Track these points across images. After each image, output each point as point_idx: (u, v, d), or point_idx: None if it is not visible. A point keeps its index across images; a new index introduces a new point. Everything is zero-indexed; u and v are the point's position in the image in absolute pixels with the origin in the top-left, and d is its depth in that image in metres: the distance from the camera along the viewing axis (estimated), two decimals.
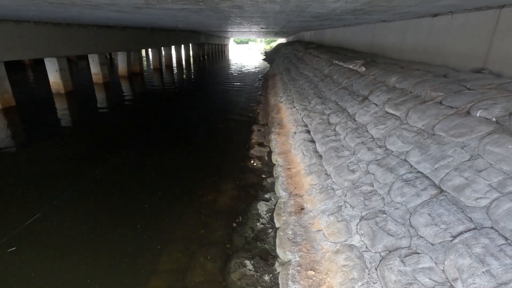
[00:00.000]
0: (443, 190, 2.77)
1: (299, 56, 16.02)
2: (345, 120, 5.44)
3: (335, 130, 5.44)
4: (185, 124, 9.11)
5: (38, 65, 20.73)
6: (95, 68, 15.15)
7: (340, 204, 3.61)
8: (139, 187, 5.16)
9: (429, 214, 2.64)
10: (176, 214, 4.43)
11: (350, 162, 4.21)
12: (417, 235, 2.58)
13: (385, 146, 3.95)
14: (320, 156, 5.00)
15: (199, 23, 11.97)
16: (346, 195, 3.69)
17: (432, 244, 2.42)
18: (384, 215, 2.98)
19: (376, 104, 5.08)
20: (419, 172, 3.16)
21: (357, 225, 3.14)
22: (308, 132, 6.21)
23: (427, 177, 3.02)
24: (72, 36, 12.42)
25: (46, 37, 11.08)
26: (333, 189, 3.98)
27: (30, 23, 10.21)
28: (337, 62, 9.04)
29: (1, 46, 9.39)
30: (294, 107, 8.42)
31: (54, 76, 12.40)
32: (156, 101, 12.46)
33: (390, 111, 4.54)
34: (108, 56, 28.72)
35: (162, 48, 23.88)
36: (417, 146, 3.47)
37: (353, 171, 3.99)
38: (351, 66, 7.65)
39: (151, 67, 22.86)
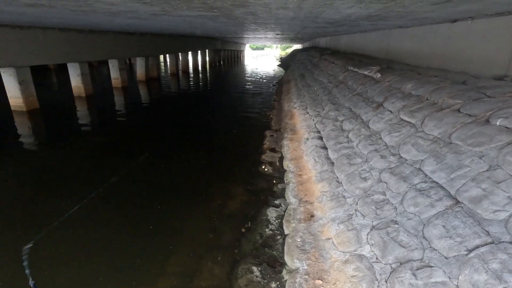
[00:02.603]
0: (459, 201, 2.65)
1: (314, 62, 15.96)
2: (358, 127, 5.34)
3: (348, 137, 5.35)
4: (198, 127, 9.23)
5: (61, 70, 21.65)
6: (114, 73, 15.66)
7: (350, 213, 3.53)
8: (152, 188, 5.24)
9: (443, 226, 2.53)
10: (186, 216, 4.46)
11: (362, 170, 4.12)
12: (430, 247, 2.48)
13: (399, 154, 3.85)
14: (332, 163, 4.92)
15: (215, 30, 12.17)
16: (357, 203, 3.60)
17: (446, 258, 2.32)
18: (396, 226, 2.89)
19: (390, 111, 4.97)
20: (434, 181, 3.05)
21: (367, 234, 3.05)
22: (321, 138, 6.14)
23: (442, 187, 2.91)
24: (94, 42, 12.91)
25: (70, 43, 11.57)
26: (344, 197, 3.90)
27: (55, 29, 10.70)
28: (352, 68, 8.94)
29: (28, 51, 9.88)
30: (308, 113, 8.36)
31: (76, 80, 12.91)
32: (171, 106, 12.70)
33: (405, 118, 4.42)
34: (128, 62, 29.61)
35: (179, 53, 24.41)
36: (432, 155, 3.36)
37: (365, 179, 3.90)
38: (366, 72, 7.54)
39: (168, 72, 23.40)
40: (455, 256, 2.28)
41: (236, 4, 3.99)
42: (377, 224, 3.08)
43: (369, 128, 5.07)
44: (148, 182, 5.49)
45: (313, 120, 7.44)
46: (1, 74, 9.84)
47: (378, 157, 4.07)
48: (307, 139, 6.46)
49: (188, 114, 11.03)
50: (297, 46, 52.22)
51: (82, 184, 5.33)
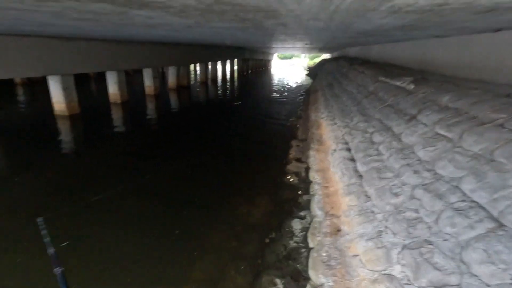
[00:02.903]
0: (502, 224, 2.45)
1: (343, 72, 15.73)
2: (389, 140, 5.15)
3: (378, 150, 5.17)
4: (225, 135, 9.38)
5: (100, 77, 23.12)
6: (148, 80, 16.44)
7: (380, 229, 3.37)
8: (178, 193, 5.38)
9: (484, 250, 2.34)
10: (211, 222, 4.51)
11: (394, 185, 3.94)
12: (469, 272, 2.30)
13: (434, 170, 3.64)
14: (361, 176, 4.77)
15: (244, 40, 12.43)
16: (387, 220, 3.45)
17: (488, 286, 2.14)
18: (431, 246, 2.72)
19: (425, 124, 4.74)
20: (473, 201, 2.85)
21: (398, 254, 2.90)
22: (349, 150, 5.98)
23: (483, 208, 2.71)
24: (131, 52, 13.69)
25: (109, 53, 12.36)
26: (373, 212, 3.75)
27: (97, 41, 11.49)
28: (383, 78, 8.68)
29: (73, 60, 10.69)
30: (335, 123, 8.21)
31: (112, 88, 13.71)
32: (198, 113, 13.05)
33: (441, 132, 4.19)
34: (160, 70, 30.97)
35: (209, 63, 25.14)
36: (472, 172, 3.14)
37: (396, 195, 3.73)
38: (398, 83, 7.28)
39: (198, 80, 24.15)
40: (498, 284, 2.09)
41: (268, 16, 4.06)
42: (409, 243, 2.92)
43: (401, 141, 4.87)
44: (175, 186, 5.65)
45: (341, 131, 7.28)
46: (49, 81, 10.69)
47: (411, 172, 3.88)
48: (335, 150, 6.32)
49: (215, 121, 11.27)
50: (326, 56, 51.81)
51: (109, 184, 5.59)
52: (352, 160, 5.43)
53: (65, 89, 10.77)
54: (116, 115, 11.94)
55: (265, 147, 8.35)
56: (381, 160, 4.74)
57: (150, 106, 14.05)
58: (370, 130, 6.10)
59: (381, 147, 5.12)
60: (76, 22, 4.91)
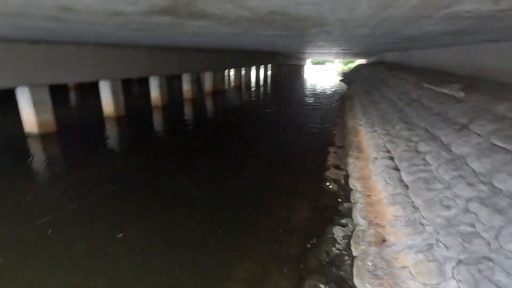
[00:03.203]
0: None
1: (381, 78, 15.25)
2: (437, 150, 4.94)
3: (424, 160, 4.98)
4: (259, 140, 9.52)
5: (141, 82, 24.56)
6: (186, 85, 17.17)
7: (431, 242, 3.26)
8: (219, 194, 5.57)
9: None
10: (252, 225, 4.62)
11: (444, 197, 3.78)
12: None
13: (491, 183, 3.45)
14: (406, 186, 4.62)
15: (281, 46, 12.58)
16: (438, 233, 3.32)
17: None
18: (491, 263, 2.58)
19: (478, 134, 4.49)
20: None
21: (453, 268, 2.79)
22: (391, 158, 5.81)
23: None
24: (172, 58, 14.43)
25: (153, 59, 13.14)
26: (422, 224, 3.62)
27: (143, 48, 12.29)
28: (427, 85, 8.32)
29: (121, 66, 11.53)
30: (375, 131, 8.00)
31: (155, 92, 14.51)
32: (233, 117, 13.35)
33: (498, 143, 3.96)
34: (197, 75, 32.15)
35: (243, 68, 25.65)
36: None
37: (448, 207, 3.57)
38: (445, 91, 6.95)
39: (232, 85, 24.73)
40: None
41: (315, 24, 4.13)
42: (465, 258, 2.79)
43: (451, 151, 4.66)
44: (216, 188, 5.86)
45: (382, 139, 7.09)
46: (100, 85, 11.62)
47: (464, 184, 3.70)
48: (376, 158, 6.17)
49: (249, 125, 11.47)
50: (361, 61, 50.49)
51: (153, 184, 5.94)
52: (396, 169, 5.28)
53: (113, 92, 11.62)
54: (158, 117, 12.62)
55: (301, 153, 8.34)
56: (429, 171, 4.57)
57: (188, 109, 14.67)
58: (415, 138, 5.89)
59: (428, 157, 4.93)
60: (133, 32, 5.35)
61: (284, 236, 4.35)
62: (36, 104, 8.94)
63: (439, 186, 4.07)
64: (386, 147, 6.46)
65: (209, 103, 16.86)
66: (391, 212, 4.21)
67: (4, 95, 12.39)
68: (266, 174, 6.67)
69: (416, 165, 4.93)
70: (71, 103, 16.45)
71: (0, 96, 15.07)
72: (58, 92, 17.32)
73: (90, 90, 20.16)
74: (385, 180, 5.05)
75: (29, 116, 9.07)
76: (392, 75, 13.26)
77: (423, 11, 3.01)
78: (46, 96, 9.21)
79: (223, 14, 3.21)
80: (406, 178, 4.82)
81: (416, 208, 3.96)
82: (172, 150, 8.48)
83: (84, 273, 3.53)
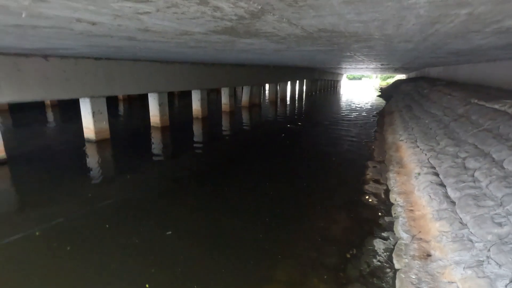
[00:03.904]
0: None
1: (423, 93, 14.74)
2: (488, 166, 4.74)
3: (473, 176, 4.79)
4: (296, 152, 9.66)
5: (182, 95, 26.06)
6: (225, 99, 17.94)
7: (480, 259, 3.16)
8: (258, 202, 5.79)
9: None
10: (291, 233, 4.75)
11: (496, 214, 3.64)
12: None
13: None
14: (453, 202, 4.48)
15: (319, 61, 12.78)
16: (489, 250, 3.21)
17: None
18: None
19: None
20: None
21: (506, 286, 2.70)
22: (436, 174, 5.64)
23: None
24: (214, 73, 15.26)
25: (197, 74, 14.03)
26: (470, 240, 3.52)
27: (188, 63, 13.22)
28: (476, 101, 7.97)
29: (168, 80, 12.48)
30: (418, 146, 7.78)
31: (196, 104, 15.37)
32: (270, 130, 13.65)
33: None
34: (234, 89, 33.31)
35: (279, 83, 26.15)
36: None
37: (500, 225, 3.44)
38: (497, 106, 6.64)
39: (267, 99, 25.27)
40: None
41: (359, 40, 4.31)
42: None
43: (503, 168, 4.46)
44: (255, 195, 6.09)
45: (425, 154, 6.88)
46: (149, 97, 12.64)
47: None
48: (419, 174, 6.02)
49: (285, 138, 11.66)
50: (400, 76, 48.83)
51: (193, 193, 6.32)
52: (441, 185, 5.12)
53: (160, 104, 12.57)
54: (199, 128, 13.35)
55: (338, 166, 8.33)
56: (478, 187, 4.40)
57: (226, 121, 15.29)
58: (462, 155, 5.68)
59: (477, 174, 4.75)
60: (188, 50, 5.91)
61: (323, 244, 4.42)
62: (95, 113, 9.99)
63: (490, 203, 3.92)
64: (430, 163, 6.27)
65: (245, 116, 17.40)
66: (436, 227, 4.11)
67: (69, 105, 13.94)
68: (303, 185, 6.78)
69: (464, 182, 4.76)
70: (122, 113, 17.95)
71: (67, 106, 16.87)
72: (109, 103, 19.05)
73: (137, 102, 21.84)
74: (430, 196, 4.93)
75: (88, 124, 10.14)
76: (435, 90, 12.80)
77: (472, 26, 3.07)
78: (103, 106, 10.26)
79: (275, 32, 3.53)
80: (452, 194, 4.67)
81: (464, 225, 3.84)
82: (213, 158, 8.94)
83: (138, 264, 3.91)
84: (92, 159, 8.58)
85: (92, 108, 9.91)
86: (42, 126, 13.48)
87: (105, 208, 5.48)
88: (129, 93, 11.33)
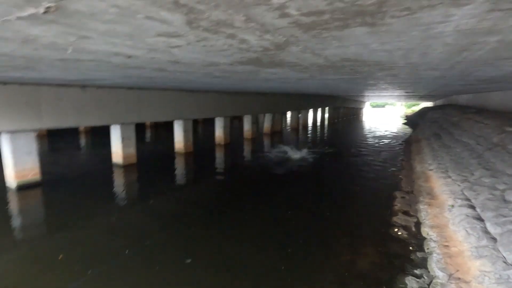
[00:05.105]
0: None
1: (452, 121, 14.19)
2: None
3: None
4: (320, 180, 9.43)
5: (205, 122, 26.83)
6: (247, 125, 18.24)
7: None
8: (280, 232, 5.61)
9: None
10: (316, 266, 4.51)
11: None
12: None
13: None
14: (493, 238, 4.10)
15: (342, 89, 12.82)
16: None
17: None
18: None
19: None
20: None
21: None
22: (472, 207, 5.25)
23: None
24: (236, 101, 15.71)
25: (220, 102, 14.50)
26: None
27: (212, 92, 13.74)
28: (511, 129, 7.53)
29: (192, 108, 12.97)
30: (449, 176, 7.35)
31: (219, 131, 15.73)
32: (291, 157, 13.52)
33: None
34: (256, 116, 33.86)
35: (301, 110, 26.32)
36: None
37: None
38: None
39: (289, 126, 25.38)
40: None
41: (383, 68, 4.30)
42: None
43: None
44: (277, 225, 5.92)
45: (459, 185, 6.47)
46: (174, 124, 13.13)
47: None
48: (452, 206, 5.63)
49: (307, 167, 11.47)
50: (426, 104, 47.67)
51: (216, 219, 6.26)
52: (479, 219, 4.74)
53: (185, 131, 12.98)
54: (221, 154, 13.54)
55: (363, 196, 8.01)
56: None
57: (248, 148, 15.43)
58: (501, 187, 5.29)
59: None
60: (213, 79, 6.18)
61: (350, 280, 4.15)
62: (124, 139, 10.47)
63: None
64: (465, 195, 5.87)
65: (266, 142, 17.49)
66: (476, 266, 3.74)
67: (100, 131, 14.76)
68: (327, 215, 6.53)
69: (504, 216, 4.38)
70: (148, 139, 18.68)
71: (98, 131, 17.83)
72: (137, 129, 19.97)
73: (163, 128, 22.73)
74: (466, 231, 4.56)
75: (117, 149, 10.61)
76: (466, 118, 12.29)
77: (503, 53, 2.99)
78: (132, 132, 10.76)
79: (298, 62, 3.62)
80: (493, 229, 4.29)
81: (508, 264, 3.48)
82: (233, 185, 8.92)
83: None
84: (118, 183, 8.87)
85: (122, 134, 10.41)
86: (75, 150, 14.28)
87: (126, 232, 5.54)
88: (156, 120, 11.85)
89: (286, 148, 14.14)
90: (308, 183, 9.17)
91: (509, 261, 3.53)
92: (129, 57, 3.16)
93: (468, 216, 4.92)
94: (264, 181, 9.41)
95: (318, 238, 5.40)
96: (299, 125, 25.78)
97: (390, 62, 3.65)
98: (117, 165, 10.50)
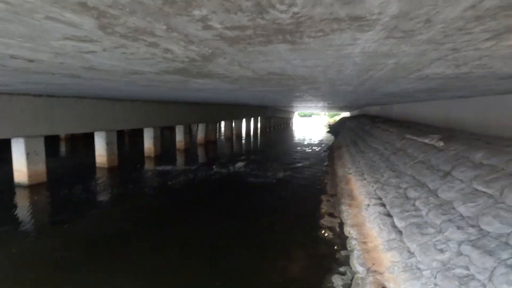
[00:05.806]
0: None
1: (366, 129, 16.17)
2: (426, 195, 5.19)
3: (414, 205, 5.19)
4: (252, 190, 9.61)
5: (133, 133, 24.93)
6: (179, 136, 17.59)
7: (429, 286, 3.30)
8: (212, 244, 5.48)
9: None
10: (250, 275, 4.51)
11: (437, 241, 3.92)
12: None
13: (479, 226, 3.64)
14: (400, 231, 4.74)
15: (271, 100, 13.45)
16: (435, 276, 3.38)
17: None
18: None
19: (461, 180, 4.82)
20: None
21: None
22: (383, 205, 6.00)
23: None
24: (167, 111, 15.05)
25: (149, 112, 13.69)
26: (419, 268, 3.69)
27: (141, 101, 12.89)
28: (409, 136, 8.94)
29: (117, 118, 11.91)
30: (365, 179, 8.30)
31: (148, 142, 14.80)
32: (225, 167, 13.49)
33: (480, 188, 4.26)
34: (189, 126, 32.97)
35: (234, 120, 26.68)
36: None
37: (441, 251, 3.69)
38: (426, 141, 7.50)
39: (223, 136, 25.41)
40: None
41: (306, 82, 4.65)
42: None
43: (438, 197, 4.91)
44: (210, 237, 5.77)
45: (372, 186, 7.35)
46: (95, 136, 11.82)
47: (454, 228, 3.88)
48: (368, 205, 6.34)
49: (241, 175, 11.61)
50: (345, 114, 53.32)
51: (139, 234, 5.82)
52: (388, 215, 5.44)
53: (108, 143, 11.80)
54: (151, 167, 12.65)
55: (293, 201, 8.43)
56: (420, 216, 4.75)
57: (180, 159, 14.82)
58: (404, 185, 6.17)
59: (417, 203, 5.16)
60: (139, 88, 5.78)
61: (283, 285, 4.26)
62: (29, 155, 8.95)
63: (431, 230, 4.22)
64: (377, 194, 6.69)
65: (200, 153, 17.13)
66: (388, 258, 4.26)
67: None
68: (260, 222, 6.66)
69: (407, 211, 5.12)
70: (62, 154, 16.38)
71: None
72: (48, 143, 17.36)
73: (81, 141, 20.25)
74: (379, 227, 5.17)
75: (20, 166, 9.00)
76: (376, 127, 14.13)
77: (399, 73, 3.53)
78: (41, 146, 9.29)
79: (227, 74, 3.64)
80: (399, 223, 4.96)
81: (411, 253, 4.05)
82: (165, 201, 8.41)
83: None
84: (21, 207, 7.48)
85: (27, 148, 8.89)
86: None
87: (26, 264, 4.69)
88: (72, 132, 10.53)
89: (221, 159, 14.06)
90: (240, 190, 9.24)
91: (412, 250, 4.11)
92: (31, 61, 2.72)
93: (380, 213, 5.60)
94: (197, 193, 9.13)
95: (252, 246, 5.43)
96: (233, 135, 26.03)
97: (312, 77, 3.97)
98: (21, 186, 8.89)
